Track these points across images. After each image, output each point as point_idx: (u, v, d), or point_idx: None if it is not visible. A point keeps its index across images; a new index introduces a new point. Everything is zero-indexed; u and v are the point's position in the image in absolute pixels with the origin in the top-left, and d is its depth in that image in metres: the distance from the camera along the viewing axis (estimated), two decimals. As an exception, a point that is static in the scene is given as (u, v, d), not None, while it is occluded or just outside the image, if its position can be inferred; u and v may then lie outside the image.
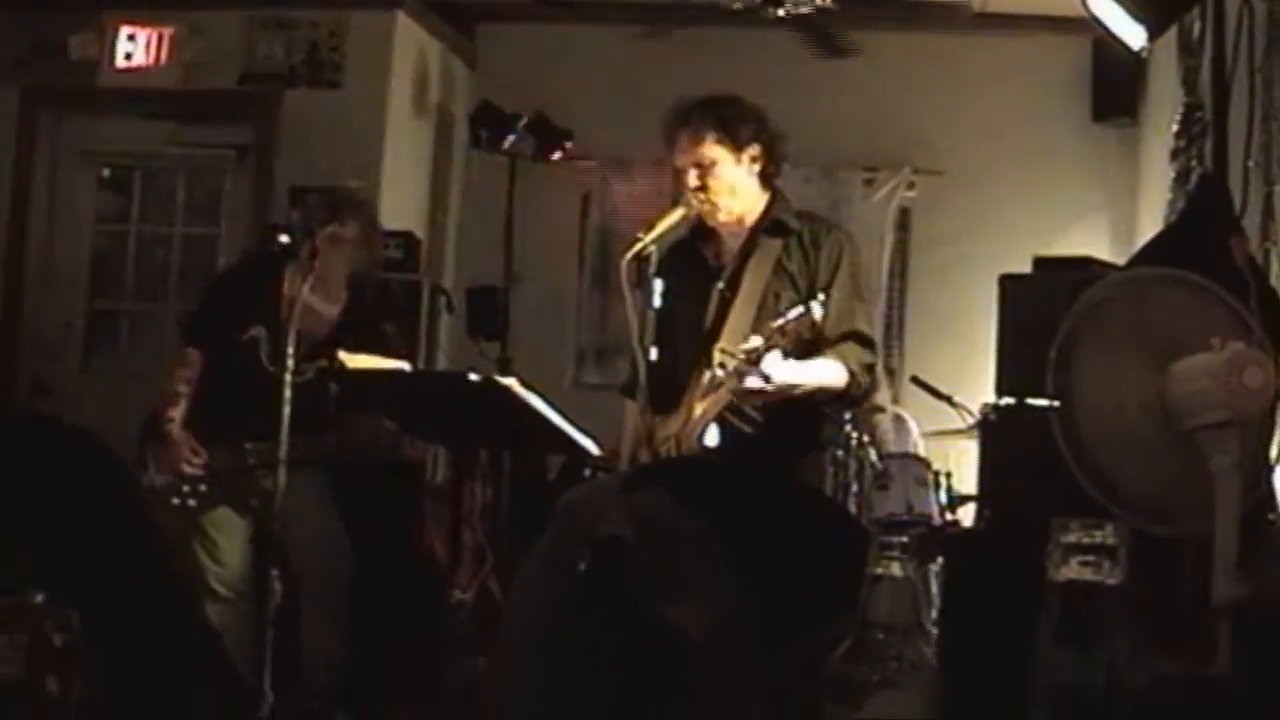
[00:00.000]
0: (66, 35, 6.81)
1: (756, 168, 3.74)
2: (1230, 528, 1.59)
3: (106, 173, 7.12)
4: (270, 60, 6.76)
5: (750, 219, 3.77)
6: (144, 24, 6.85)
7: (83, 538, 1.62)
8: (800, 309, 3.30)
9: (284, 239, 4.43)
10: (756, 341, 3.32)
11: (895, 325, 7.49)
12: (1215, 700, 1.43)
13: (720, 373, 3.51)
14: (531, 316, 7.09)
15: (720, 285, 3.74)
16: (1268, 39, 2.98)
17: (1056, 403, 1.76)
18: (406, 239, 6.53)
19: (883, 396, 6.08)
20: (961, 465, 6.01)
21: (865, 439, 5.65)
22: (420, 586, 5.40)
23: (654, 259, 3.66)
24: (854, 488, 5.36)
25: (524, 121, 6.71)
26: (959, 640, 1.26)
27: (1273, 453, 1.89)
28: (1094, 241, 6.80)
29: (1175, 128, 4.71)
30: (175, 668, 1.63)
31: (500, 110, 6.83)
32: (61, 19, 6.86)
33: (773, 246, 3.72)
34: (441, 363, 6.90)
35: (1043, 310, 2.10)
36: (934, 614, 2.00)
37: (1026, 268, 4.10)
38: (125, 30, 6.85)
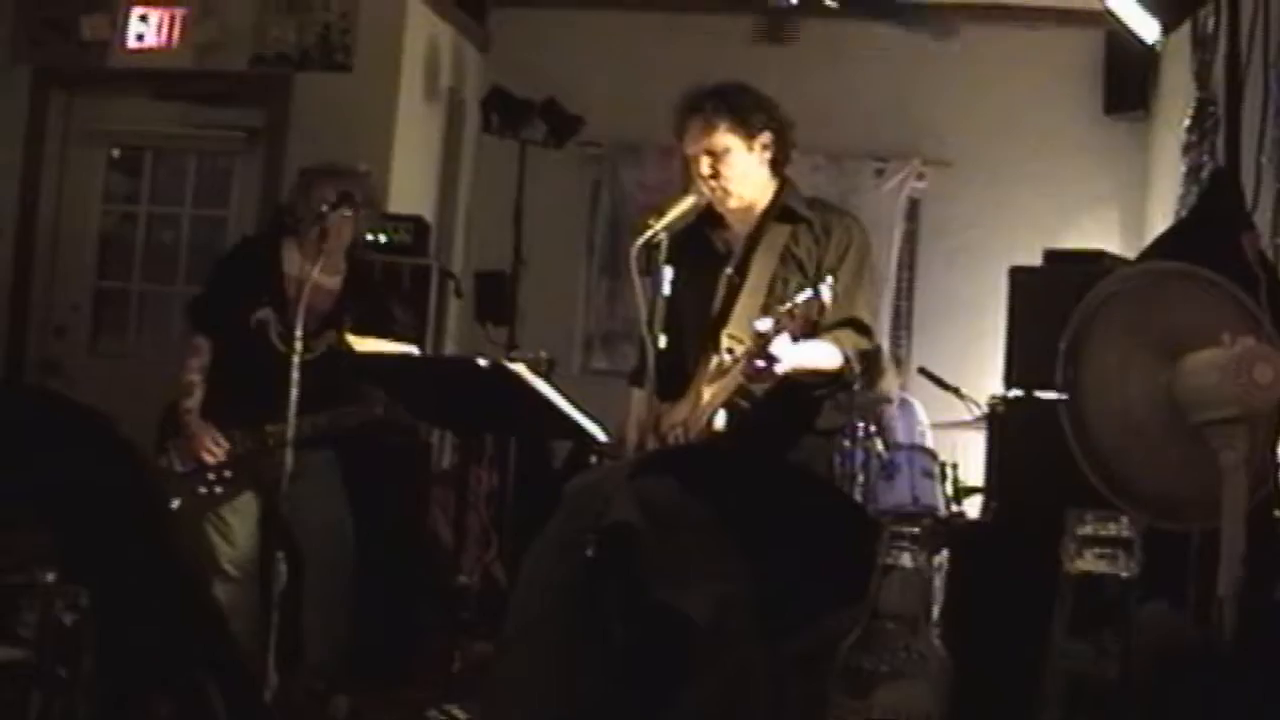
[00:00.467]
0: (78, 15, 6.80)
1: (767, 155, 3.75)
2: (1237, 523, 1.59)
3: (117, 153, 7.12)
4: (281, 43, 6.75)
5: (760, 206, 3.78)
6: (156, 5, 6.84)
7: (92, 516, 1.62)
8: (810, 292, 3.29)
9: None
10: (767, 324, 3.32)
11: (904, 315, 7.49)
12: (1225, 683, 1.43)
13: (728, 358, 3.51)
14: (539, 302, 7.09)
15: (729, 271, 3.75)
16: (1282, 34, 2.96)
17: (1065, 396, 1.76)
18: (416, 223, 6.52)
19: (890, 385, 6.07)
20: (968, 456, 6.03)
21: (872, 429, 5.65)
22: (425, 571, 5.41)
23: (663, 246, 3.66)
24: (860, 478, 5.36)
25: (535, 107, 6.73)
26: (965, 632, 1.26)
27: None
28: (1103, 234, 6.80)
29: (1188, 122, 4.71)
30: (182, 649, 1.64)
31: (512, 95, 6.84)
32: (73, -1, 6.88)
33: (781, 233, 3.72)
34: (449, 347, 6.92)
35: (1052, 303, 2.10)
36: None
37: (1035, 259, 4.12)
38: (137, 11, 6.84)
